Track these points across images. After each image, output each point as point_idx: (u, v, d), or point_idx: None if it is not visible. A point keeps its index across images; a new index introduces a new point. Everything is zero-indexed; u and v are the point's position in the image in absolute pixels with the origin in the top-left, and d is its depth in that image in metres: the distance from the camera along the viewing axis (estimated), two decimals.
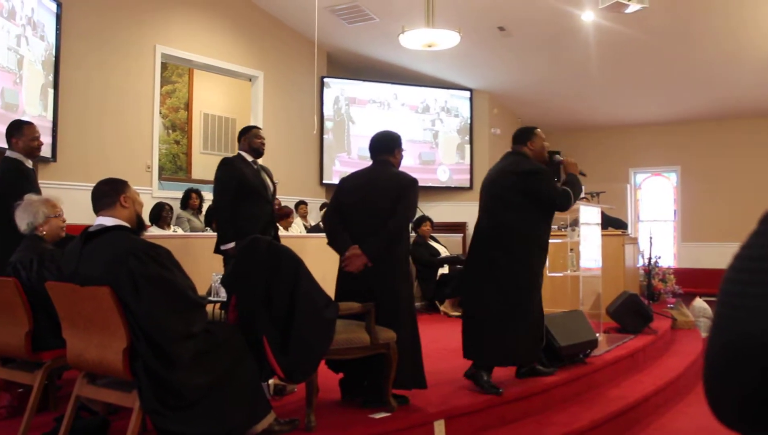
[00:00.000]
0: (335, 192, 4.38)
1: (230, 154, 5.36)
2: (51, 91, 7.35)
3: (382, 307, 3.86)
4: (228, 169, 5.10)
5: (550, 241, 4.69)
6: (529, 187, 4.46)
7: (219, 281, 4.16)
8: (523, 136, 4.73)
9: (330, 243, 4.22)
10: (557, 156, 4.79)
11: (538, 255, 4.54)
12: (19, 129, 4.59)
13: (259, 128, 5.42)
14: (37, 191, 4.33)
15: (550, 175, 4.57)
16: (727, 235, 12.13)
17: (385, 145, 4.29)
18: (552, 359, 4.90)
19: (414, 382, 4.03)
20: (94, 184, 3.31)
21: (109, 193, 3.23)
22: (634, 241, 8.90)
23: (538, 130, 4.75)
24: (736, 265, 0.88)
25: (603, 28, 9.05)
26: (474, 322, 4.52)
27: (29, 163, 4.60)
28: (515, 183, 4.50)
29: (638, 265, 9.13)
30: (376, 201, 4.07)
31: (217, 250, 5.07)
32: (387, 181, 4.13)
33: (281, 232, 8.20)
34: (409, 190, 4.09)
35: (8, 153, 4.56)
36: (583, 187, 4.71)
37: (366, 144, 4.41)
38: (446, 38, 7.92)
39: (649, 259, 9.29)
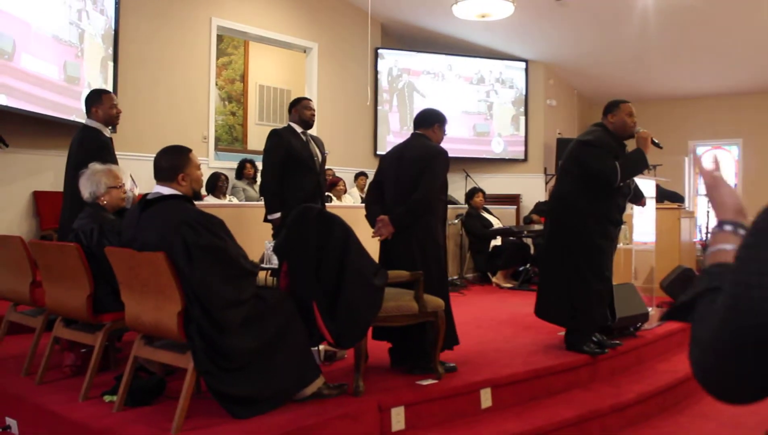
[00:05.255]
0: (378, 165, 4.47)
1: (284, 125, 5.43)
2: (111, 64, 7.53)
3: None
4: (276, 140, 5.19)
5: None
6: (581, 157, 4.51)
7: (271, 249, 4.26)
8: (607, 108, 4.75)
9: (366, 215, 4.33)
10: (636, 129, 4.71)
11: (594, 225, 4.55)
12: (98, 98, 4.60)
13: (309, 99, 5.48)
14: (115, 161, 4.42)
15: (603, 148, 4.52)
16: None
17: (424, 119, 4.35)
18: (603, 332, 4.88)
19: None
20: (152, 155, 3.41)
21: (168, 169, 3.32)
22: (691, 214, 8.74)
23: (626, 103, 4.68)
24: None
25: None
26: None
27: (107, 133, 4.62)
28: (574, 152, 4.57)
29: (695, 240, 8.97)
30: (404, 173, 4.16)
31: (265, 220, 5.19)
32: (415, 152, 4.19)
33: (335, 201, 8.31)
34: (433, 161, 4.12)
35: (87, 122, 4.60)
36: (647, 163, 4.62)
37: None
38: (500, 8, 7.87)
39: (706, 233, 9.12)
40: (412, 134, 4.37)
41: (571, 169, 4.64)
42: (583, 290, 4.53)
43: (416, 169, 4.10)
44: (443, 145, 4.35)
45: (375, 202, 4.33)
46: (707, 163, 1.14)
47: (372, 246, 3.85)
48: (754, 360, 0.88)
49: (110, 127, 4.70)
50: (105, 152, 4.44)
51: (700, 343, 0.95)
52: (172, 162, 3.35)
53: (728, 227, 1.06)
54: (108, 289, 3.64)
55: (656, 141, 4.72)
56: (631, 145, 4.69)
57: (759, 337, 0.86)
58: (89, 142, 4.49)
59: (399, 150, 4.36)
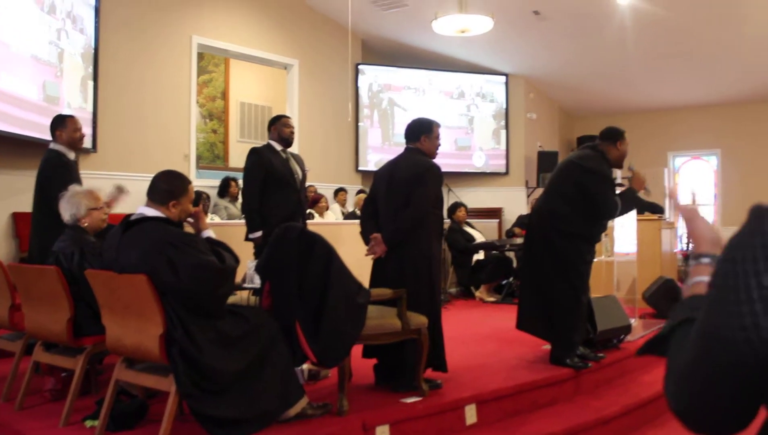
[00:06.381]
0: (372, 181, 4.48)
1: (264, 143, 5.44)
2: (91, 83, 7.49)
3: (408, 291, 3.92)
4: (255, 158, 5.19)
5: None
6: (584, 183, 4.54)
7: (254, 268, 4.24)
8: (610, 136, 4.74)
9: (360, 232, 4.34)
10: (631, 166, 4.79)
11: (586, 245, 4.64)
12: (62, 122, 4.74)
13: (288, 117, 5.48)
14: (78, 182, 4.46)
15: (608, 181, 4.61)
16: None
17: (411, 133, 4.35)
18: (586, 345, 4.90)
19: (435, 364, 4.10)
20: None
21: (163, 191, 3.33)
22: (672, 225, 8.80)
23: (625, 134, 4.76)
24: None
25: (639, 10, 8.92)
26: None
27: (71, 156, 4.72)
28: (575, 174, 4.62)
29: (676, 250, 9.03)
30: (396, 188, 4.17)
31: (247, 238, 5.18)
32: (405, 172, 4.20)
33: (317, 218, 8.29)
34: (423, 176, 4.13)
35: (51, 145, 4.72)
36: (639, 205, 4.80)
37: (404, 131, 4.48)
38: (479, 24, 7.91)
39: (687, 243, 9.19)
40: (404, 149, 4.37)
41: (567, 190, 4.63)
42: (575, 307, 4.57)
43: (407, 187, 4.11)
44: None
45: (369, 218, 4.33)
46: (683, 198, 1.13)
47: (356, 263, 3.84)
48: (728, 392, 0.87)
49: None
50: (67, 171, 4.58)
51: (674, 376, 0.94)
52: (171, 186, 3.36)
53: (706, 260, 1.07)
54: (88, 312, 3.62)
55: (648, 188, 4.83)
56: None
57: (732, 368, 0.85)
58: (51, 162, 4.63)
59: (390, 167, 4.36)
